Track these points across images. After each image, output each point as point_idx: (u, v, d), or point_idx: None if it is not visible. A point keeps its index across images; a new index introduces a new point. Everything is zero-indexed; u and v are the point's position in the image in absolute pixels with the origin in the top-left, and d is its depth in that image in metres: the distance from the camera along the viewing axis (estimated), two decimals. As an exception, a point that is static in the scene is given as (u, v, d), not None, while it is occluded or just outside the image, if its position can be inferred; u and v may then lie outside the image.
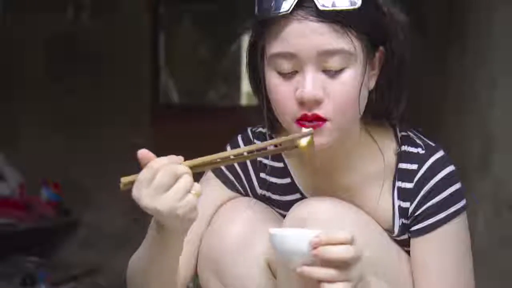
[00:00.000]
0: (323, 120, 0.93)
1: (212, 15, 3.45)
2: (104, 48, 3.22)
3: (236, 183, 1.09)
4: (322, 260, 0.86)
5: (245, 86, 3.52)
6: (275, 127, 1.05)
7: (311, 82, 0.92)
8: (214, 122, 3.11)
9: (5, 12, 3.21)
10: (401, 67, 0.99)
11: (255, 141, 1.09)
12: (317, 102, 0.93)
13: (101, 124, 3.18)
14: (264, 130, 1.09)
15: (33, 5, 3.20)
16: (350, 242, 0.86)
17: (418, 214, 1.02)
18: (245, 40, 1.06)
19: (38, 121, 3.19)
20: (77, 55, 3.22)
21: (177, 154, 0.94)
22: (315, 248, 0.85)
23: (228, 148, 1.10)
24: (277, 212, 1.10)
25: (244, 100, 3.55)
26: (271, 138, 1.08)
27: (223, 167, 1.08)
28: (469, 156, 2.17)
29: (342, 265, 0.86)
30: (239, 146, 1.09)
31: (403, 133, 1.05)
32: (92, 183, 3.16)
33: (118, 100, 3.20)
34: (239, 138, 1.11)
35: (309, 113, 0.93)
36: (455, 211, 1.01)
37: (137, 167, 0.91)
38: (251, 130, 1.11)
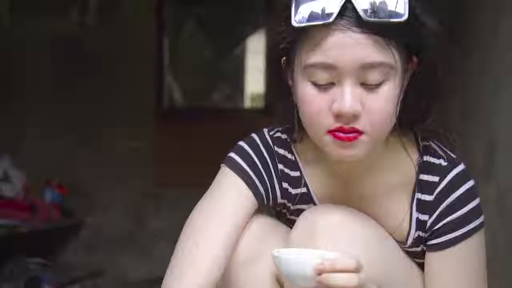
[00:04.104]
0: (360, 132, 0.91)
1: (216, 17, 3.45)
2: (108, 50, 3.22)
3: (262, 190, 1.03)
4: (325, 286, 0.84)
5: (249, 88, 3.52)
6: (299, 132, 1.01)
7: (350, 96, 0.89)
8: (217, 124, 3.11)
9: (10, 14, 3.22)
10: (433, 79, 0.96)
11: (275, 147, 1.05)
12: (355, 116, 0.90)
13: (105, 126, 3.19)
14: (283, 136, 1.05)
15: (38, 7, 3.21)
16: (355, 270, 0.85)
17: (437, 229, 1.00)
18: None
19: (42, 123, 3.20)
20: (81, 57, 3.23)
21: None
22: (319, 274, 0.84)
23: (245, 146, 1.04)
24: (292, 219, 1.07)
25: (247, 102, 3.55)
26: (293, 144, 1.04)
27: (250, 172, 1.02)
28: (473, 161, 2.16)
29: None
30: (257, 146, 1.04)
31: (425, 143, 1.02)
32: (96, 185, 3.17)
33: (122, 102, 3.20)
34: (257, 138, 1.06)
35: (346, 127, 0.90)
36: (474, 227, 0.99)
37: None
38: (268, 134, 1.06)
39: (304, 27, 0.90)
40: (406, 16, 0.88)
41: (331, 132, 0.91)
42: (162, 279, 0.99)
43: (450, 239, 0.99)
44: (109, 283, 3.11)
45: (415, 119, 0.99)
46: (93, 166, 3.17)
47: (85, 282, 2.98)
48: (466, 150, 2.23)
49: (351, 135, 0.91)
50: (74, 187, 3.11)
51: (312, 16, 0.89)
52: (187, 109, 3.52)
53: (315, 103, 0.91)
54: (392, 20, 0.87)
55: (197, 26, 3.51)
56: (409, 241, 1.02)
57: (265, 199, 1.04)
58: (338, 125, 0.91)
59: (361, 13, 0.87)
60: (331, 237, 0.95)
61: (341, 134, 0.91)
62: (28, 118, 3.20)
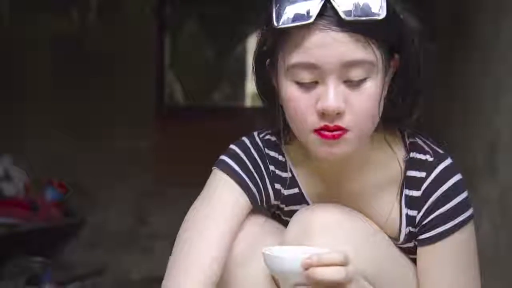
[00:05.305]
0: (344, 130, 0.92)
1: (217, 16, 3.45)
2: (109, 49, 3.22)
3: (255, 192, 1.04)
4: (313, 280, 0.85)
5: (250, 87, 3.52)
6: (287, 135, 1.03)
7: (333, 94, 0.90)
8: (218, 123, 3.11)
9: (10, 14, 3.22)
10: (415, 75, 0.98)
11: (265, 150, 1.05)
12: (339, 114, 0.91)
13: (106, 125, 3.19)
14: (273, 138, 1.06)
15: (39, 6, 3.21)
16: (343, 263, 0.86)
17: (426, 223, 1.01)
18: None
19: (42, 123, 3.20)
20: (83, 56, 3.23)
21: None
22: (307, 269, 0.85)
23: (236, 149, 1.05)
24: (286, 220, 1.08)
25: (248, 101, 3.55)
26: (283, 145, 1.05)
27: (243, 174, 1.03)
28: (474, 161, 2.16)
29: (334, 285, 0.86)
30: (248, 149, 1.05)
31: (411, 140, 1.04)
32: (96, 184, 3.17)
33: (123, 101, 3.21)
34: (247, 141, 1.06)
35: (331, 125, 0.92)
36: (463, 220, 1.00)
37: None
38: (258, 137, 1.07)
39: (286, 28, 0.91)
40: (384, 14, 0.90)
41: (316, 131, 0.93)
42: (162, 277, 0.98)
43: (439, 233, 1.00)
44: (110, 281, 3.11)
45: (400, 116, 1.01)
46: (93, 166, 3.17)
47: (86, 281, 2.98)
48: (467, 150, 2.23)
49: (336, 132, 0.92)
50: (74, 187, 3.10)
51: (293, 17, 0.90)
52: (187, 108, 3.52)
53: (299, 103, 0.93)
54: (371, 18, 0.89)
55: (198, 25, 3.51)
56: (402, 237, 1.04)
57: (258, 200, 1.05)
58: (323, 123, 0.92)
59: (341, 13, 0.89)
60: (326, 235, 0.96)
61: (327, 133, 0.92)
62: (28, 118, 3.20)
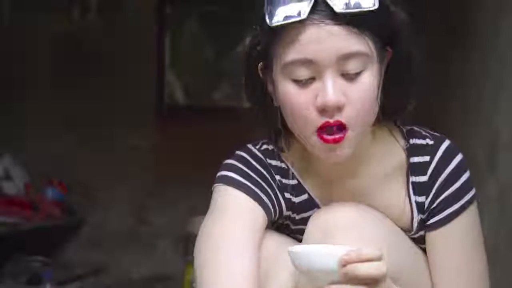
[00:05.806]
0: (344, 128, 0.92)
1: (217, 16, 3.45)
2: (109, 48, 3.23)
3: (269, 204, 1.02)
4: (352, 277, 0.81)
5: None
6: (284, 139, 1.02)
7: (332, 88, 0.90)
8: (219, 123, 3.11)
9: (10, 13, 3.22)
10: (409, 67, 0.98)
11: (267, 160, 1.04)
12: (339, 108, 0.91)
13: (106, 124, 3.19)
14: (270, 148, 1.05)
15: (39, 6, 3.21)
16: (380, 258, 0.84)
17: (434, 207, 1.01)
18: (242, 50, 1.02)
19: (42, 123, 3.20)
20: (82, 55, 3.23)
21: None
22: (344, 265, 0.82)
23: (237, 163, 1.02)
24: (297, 229, 1.06)
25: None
26: (281, 153, 1.04)
27: (255, 188, 1.00)
28: (474, 159, 2.16)
29: (371, 281, 0.82)
30: (249, 162, 1.03)
31: (407, 127, 1.05)
32: (98, 183, 3.17)
33: (123, 101, 3.21)
34: (245, 154, 1.04)
35: (332, 120, 0.91)
36: (468, 200, 1.01)
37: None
38: (255, 148, 1.05)
39: (279, 27, 0.91)
40: (376, 6, 0.90)
41: (318, 132, 0.92)
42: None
43: (446, 216, 1.00)
44: (110, 281, 3.11)
45: (395, 108, 1.01)
46: (94, 165, 3.17)
47: (86, 280, 2.98)
48: (467, 148, 2.22)
49: (337, 136, 0.92)
50: (75, 186, 3.11)
51: (286, 15, 0.90)
52: (188, 108, 3.52)
53: (298, 100, 0.93)
54: (363, 10, 0.90)
55: (199, 25, 3.51)
56: (414, 226, 1.03)
57: (272, 213, 1.03)
58: (323, 120, 0.92)
59: (333, 6, 0.90)
60: (347, 235, 0.95)
61: (328, 137, 0.92)
62: (28, 118, 3.20)
